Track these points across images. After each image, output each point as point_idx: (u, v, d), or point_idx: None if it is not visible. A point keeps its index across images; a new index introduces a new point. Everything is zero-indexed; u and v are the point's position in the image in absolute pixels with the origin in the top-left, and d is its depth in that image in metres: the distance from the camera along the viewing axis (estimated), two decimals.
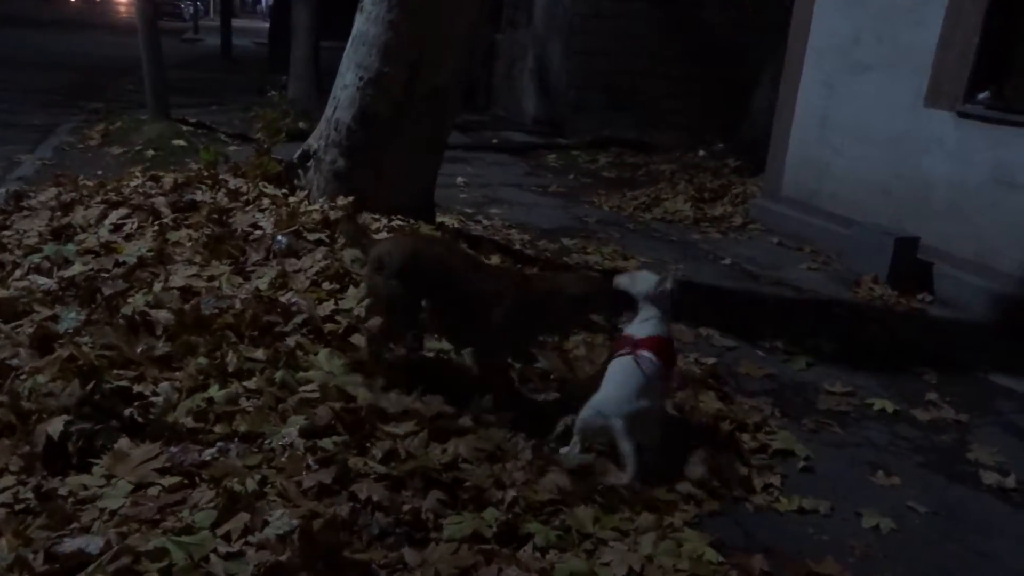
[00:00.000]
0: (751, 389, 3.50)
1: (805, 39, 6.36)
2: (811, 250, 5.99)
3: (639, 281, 2.85)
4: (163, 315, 3.10)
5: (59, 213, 4.15)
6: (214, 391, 2.72)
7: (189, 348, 2.95)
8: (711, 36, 10.66)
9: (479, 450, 2.63)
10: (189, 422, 2.59)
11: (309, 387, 2.82)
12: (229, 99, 11.49)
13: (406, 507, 2.33)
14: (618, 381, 2.69)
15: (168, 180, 4.51)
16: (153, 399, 2.67)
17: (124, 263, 3.51)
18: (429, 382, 2.90)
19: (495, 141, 10.27)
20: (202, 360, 2.87)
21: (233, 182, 4.62)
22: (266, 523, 2.16)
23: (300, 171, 4.79)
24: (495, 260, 4.33)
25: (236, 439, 2.55)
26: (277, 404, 2.72)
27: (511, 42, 12.56)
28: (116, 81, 12.80)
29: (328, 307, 3.35)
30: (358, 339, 3.12)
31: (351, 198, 4.46)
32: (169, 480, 2.32)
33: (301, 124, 8.17)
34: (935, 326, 4.72)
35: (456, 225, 5.26)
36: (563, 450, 2.74)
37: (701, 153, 9.61)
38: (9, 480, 2.28)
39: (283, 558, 2.04)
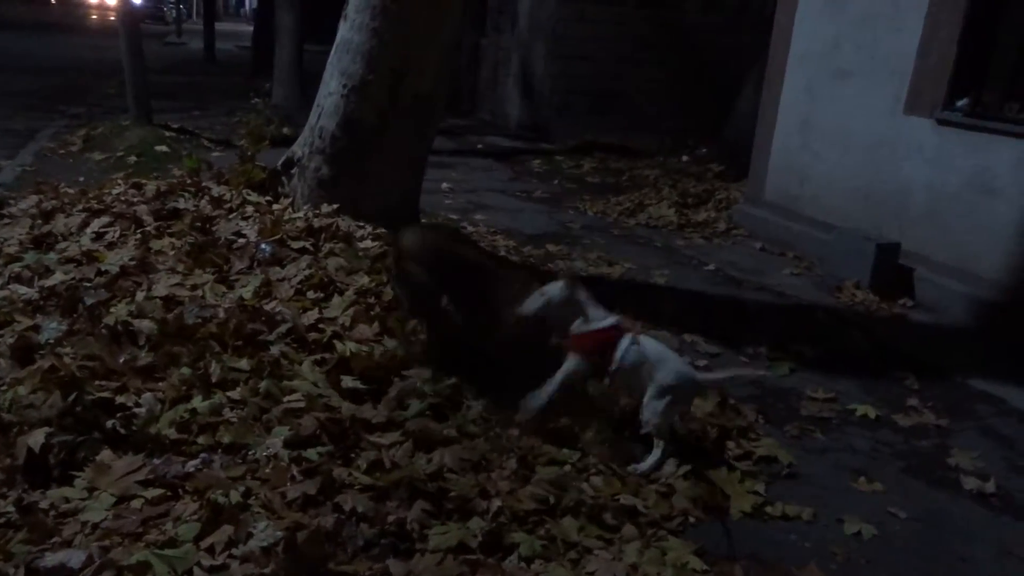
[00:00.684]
0: (735, 395, 3.51)
1: (787, 45, 6.41)
2: (793, 255, 6.03)
3: (551, 291, 2.90)
4: (146, 325, 3.08)
5: (40, 221, 4.11)
6: (197, 402, 2.71)
7: (172, 358, 2.93)
8: (693, 41, 10.74)
9: (464, 460, 2.63)
10: (172, 433, 2.58)
11: (293, 397, 2.81)
12: (212, 104, 11.43)
13: (391, 518, 2.33)
14: (672, 355, 2.89)
15: (151, 188, 4.48)
16: (136, 410, 2.66)
17: (106, 272, 3.49)
18: None
19: (480, 146, 10.28)
20: (185, 370, 2.86)
21: (216, 189, 4.60)
22: (250, 535, 2.16)
23: (284, 178, 4.77)
24: None
25: (220, 450, 2.54)
26: (261, 414, 2.71)
27: (495, 47, 12.58)
28: (97, 85, 12.70)
29: (312, 316, 3.34)
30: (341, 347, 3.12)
31: (335, 205, 4.46)
32: (152, 492, 2.31)
33: (285, 130, 8.18)
34: (916, 331, 4.77)
35: None
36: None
37: (684, 158, 9.66)
38: None
39: (267, 570, 2.04)
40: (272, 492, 2.34)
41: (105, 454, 2.45)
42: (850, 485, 2.95)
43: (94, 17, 37.47)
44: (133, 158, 7.06)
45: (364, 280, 3.62)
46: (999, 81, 4.97)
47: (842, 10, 5.91)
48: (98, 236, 3.90)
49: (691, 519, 2.57)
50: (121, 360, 2.88)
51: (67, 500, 2.27)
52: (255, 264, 3.73)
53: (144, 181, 4.69)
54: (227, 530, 2.15)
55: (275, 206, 4.52)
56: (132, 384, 2.78)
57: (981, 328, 4.76)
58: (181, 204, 4.29)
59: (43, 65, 15.21)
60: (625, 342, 2.83)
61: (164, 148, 7.48)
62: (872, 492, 2.91)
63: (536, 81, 11.29)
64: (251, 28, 19.88)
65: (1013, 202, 4.70)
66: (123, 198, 4.34)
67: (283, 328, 3.18)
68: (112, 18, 35.03)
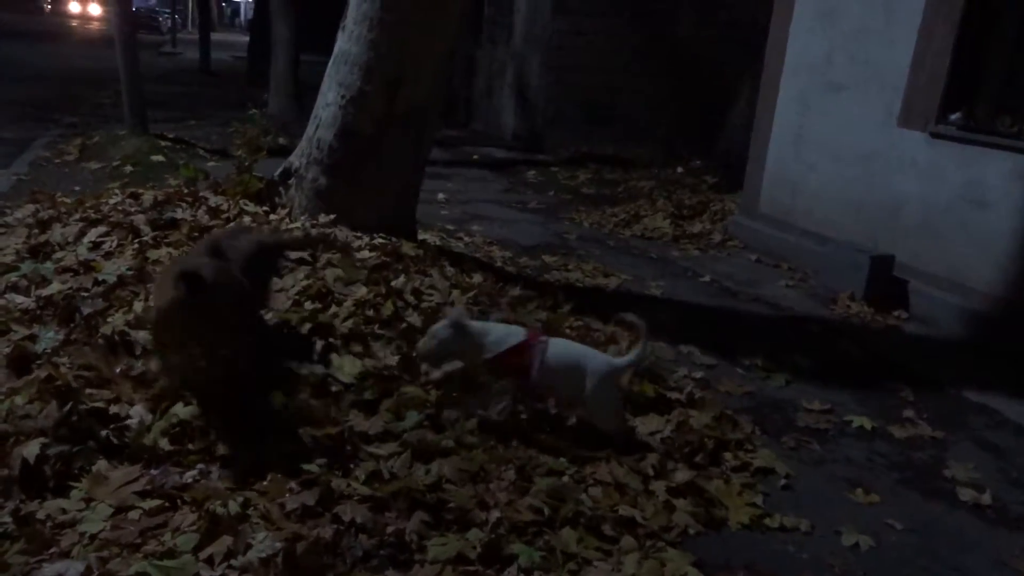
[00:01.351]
0: (732, 407, 3.52)
1: (782, 57, 6.46)
2: (788, 267, 6.06)
3: (439, 332, 2.94)
4: (142, 335, 3.07)
5: (36, 230, 4.09)
6: (179, 408, 2.68)
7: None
8: (687, 53, 10.80)
9: (462, 471, 2.63)
10: (165, 444, 2.56)
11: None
12: (208, 114, 11.43)
13: (390, 529, 2.33)
14: (588, 349, 3.03)
15: (148, 197, 4.47)
16: (128, 421, 2.64)
17: (103, 282, 3.47)
18: None
19: (475, 157, 10.30)
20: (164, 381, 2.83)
21: (213, 199, 4.59)
22: (249, 546, 2.16)
23: (281, 189, 4.78)
24: (477, 278, 4.34)
25: (217, 462, 2.53)
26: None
27: (491, 58, 12.63)
28: (91, 94, 12.68)
29: (308, 326, 3.34)
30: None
31: (332, 216, 4.46)
32: (150, 503, 2.30)
33: (281, 140, 8.18)
34: (910, 343, 4.80)
35: (438, 242, 5.27)
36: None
37: (679, 170, 9.70)
38: None
39: None
40: (271, 503, 2.34)
41: (101, 464, 2.44)
42: (847, 496, 2.96)
43: (74, 25, 37.35)
44: (129, 168, 7.05)
45: (362, 291, 3.62)
46: (991, 95, 5.03)
47: (835, 24, 5.97)
48: (95, 246, 3.89)
49: (690, 530, 2.58)
50: (117, 370, 2.88)
51: (64, 511, 2.26)
52: None
53: (141, 191, 4.68)
54: (226, 541, 2.15)
55: (272, 216, 4.53)
56: (126, 394, 2.77)
57: (975, 340, 4.79)
58: (178, 214, 4.28)
59: (34, 74, 15.19)
60: (541, 349, 2.90)
61: (160, 158, 7.47)
62: (869, 503, 2.92)
63: (531, 92, 11.34)
64: (246, 38, 19.93)
65: (1005, 215, 4.74)
66: (120, 208, 4.33)
67: None
68: (95, 27, 35.11)
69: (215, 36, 22.56)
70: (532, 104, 11.34)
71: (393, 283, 3.75)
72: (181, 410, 2.67)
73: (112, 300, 3.38)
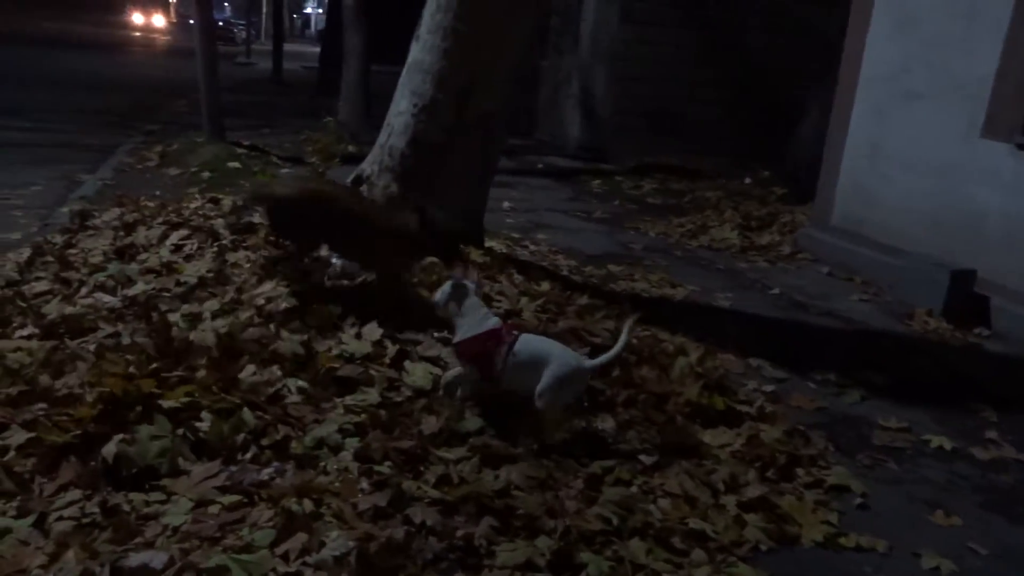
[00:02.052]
0: (804, 422, 3.45)
1: (857, 67, 6.31)
2: (861, 281, 5.90)
3: (440, 291, 3.03)
4: (209, 337, 3.13)
5: (122, 233, 4.28)
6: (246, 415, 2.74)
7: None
8: (756, 62, 10.65)
9: (531, 478, 2.63)
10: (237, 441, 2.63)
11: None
12: (281, 122, 11.75)
13: (459, 532, 2.34)
14: (558, 348, 2.93)
15: (227, 202, 4.62)
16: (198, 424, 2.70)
17: (185, 283, 3.61)
18: None
19: (540, 166, 10.33)
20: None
21: None
22: (323, 544, 2.19)
23: None
24: (545, 286, 4.35)
25: (291, 461, 2.59)
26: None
27: (556, 68, 12.65)
28: (169, 103, 13.17)
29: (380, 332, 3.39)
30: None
31: None
32: (229, 498, 2.36)
33: (351, 147, 8.35)
34: (992, 362, 4.61)
35: (504, 250, 5.30)
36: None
37: (747, 180, 9.55)
38: (75, 495, 2.34)
39: None
40: (343, 503, 2.38)
41: (182, 460, 2.52)
42: (926, 518, 2.86)
43: (137, 36, 38.33)
44: (207, 173, 7.29)
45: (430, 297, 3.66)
46: None
47: (914, 32, 5.81)
48: (177, 248, 4.04)
49: (761, 546, 2.53)
50: (198, 375, 2.95)
51: (147, 503, 2.34)
52: (326, 279, 3.81)
53: (220, 196, 4.84)
54: (301, 538, 2.19)
55: None
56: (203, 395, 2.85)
57: None
58: (255, 219, 4.41)
59: (113, 84, 15.84)
60: (510, 343, 2.89)
61: (236, 164, 7.70)
62: (950, 526, 2.82)
63: (596, 102, 11.32)
64: (316, 49, 20.39)
65: None
66: (200, 212, 4.49)
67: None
68: (160, 39, 36.22)
69: (287, 47, 23.16)
70: (597, 114, 11.32)
71: None
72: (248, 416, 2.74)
73: (191, 300, 3.50)
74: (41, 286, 3.71)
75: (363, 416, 2.82)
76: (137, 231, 4.27)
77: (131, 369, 2.84)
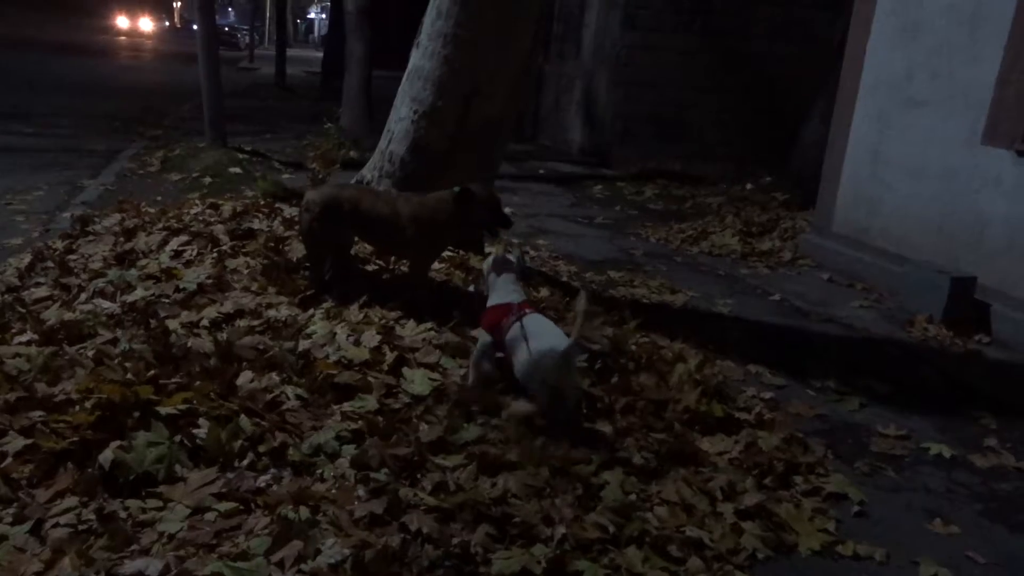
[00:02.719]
0: (803, 429, 3.44)
1: (859, 74, 6.31)
2: (862, 287, 5.89)
3: (503, 254, 3.34)
4: (206, 344, 3.14)
5: (122, 239, 4.28)
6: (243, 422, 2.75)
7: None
8: (758, 68, 10.66)
9: (528, 485, 2.63)
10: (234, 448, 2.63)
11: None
12: (282, 127, 11.77)
13: (455, 540, 2.33)
14: (550, 331, 2.97)
15: (226, 208, 4.64)
16: (195, 431, 2.70)
17: (184, 289, 3.61)
18: None
19: (542, 172, 10.34)
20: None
21: (289, 211, 4.73)
22: (319, 551, 2.19)
23: None
24: (544, 292, 4.35)
25: (288, 468, 2.59)
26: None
27: (558, 74, 12.69)
28: (171, 108, 13.20)
29: (378, 339, 3.40)
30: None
31: None
32: (225, 506, 2.36)
33: (352, 153, 8.36)
34: (993, 369, 4.60)
35: None
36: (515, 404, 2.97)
37: (748, 186, 9.54)
38: (72, 501, 2.34)
39: None
40: (339, 510, 2.38)
41: (179, 467, 2.52)
42: (924, 526, 2.85)
43: (122, 40, 37.22)
44: (208, 179, 7.31)
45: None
46: None
47: (916, 40, 5.81)
48: (177, 254, 4.05)
49: (758, 555, 2.52)
50: (196, 384, 2.96)
51: (144, 510, 2.34)
52: None
53: (220, 202, 4.85)
54: (296, 545, 2.19)
55: None
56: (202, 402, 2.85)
57: None
58: (255, 225, 4.42)
59: (114, 89, 15.86)
60: (512, 318, 2.99)
61: (237, 170, 7.72)
62: (948, 535, 2.81)
63: (598, 108, 11.34)
64: (319, 54, 20.45)
65: None
66: (200, 218, 4.50)
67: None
68: (148, 44, 35.69)
69: (290, 52, 23.24)
70: (600, 119, 11.34)
71: None
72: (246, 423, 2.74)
73: (190, 306, 3.50)
74: (41, 292, 3.73)
75: (361, 423, 2.83)
76: (137, 237, 4.28)
77: (129, 375, 2.85)
